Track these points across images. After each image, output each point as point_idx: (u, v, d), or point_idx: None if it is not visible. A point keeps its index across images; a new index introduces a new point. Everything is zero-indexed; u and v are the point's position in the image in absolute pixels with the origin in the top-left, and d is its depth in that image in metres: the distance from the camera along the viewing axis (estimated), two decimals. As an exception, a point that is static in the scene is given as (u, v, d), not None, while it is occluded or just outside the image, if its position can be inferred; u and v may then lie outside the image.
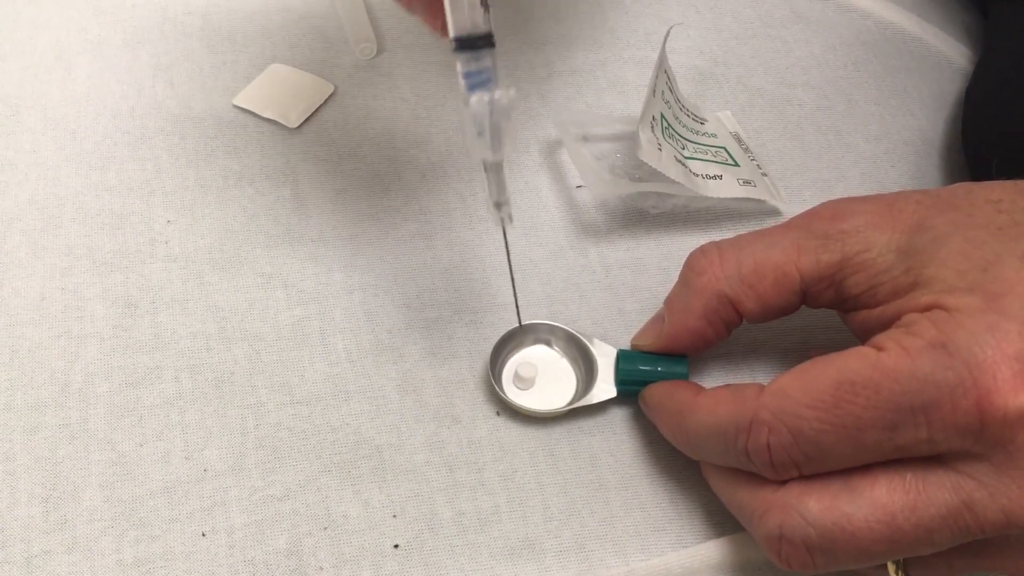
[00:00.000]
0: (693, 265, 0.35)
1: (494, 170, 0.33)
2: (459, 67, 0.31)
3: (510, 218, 0.34)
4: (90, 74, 0.47)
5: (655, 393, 0.35)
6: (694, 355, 0.37)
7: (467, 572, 0.33)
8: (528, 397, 0.37)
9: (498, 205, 0.34)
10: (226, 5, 0.50)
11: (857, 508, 0.29)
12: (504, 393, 0.37)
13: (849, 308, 0.33)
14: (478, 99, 0.31)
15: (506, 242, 0.36)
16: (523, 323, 0.38)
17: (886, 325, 0.30)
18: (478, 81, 0.31)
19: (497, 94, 0.31)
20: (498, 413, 0.37)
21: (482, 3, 0.30)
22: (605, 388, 0.37)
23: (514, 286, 0.37)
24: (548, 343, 0.39)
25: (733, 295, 0.34)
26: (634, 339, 0.37)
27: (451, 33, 0.31)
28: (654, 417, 0.35)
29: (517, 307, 0.37)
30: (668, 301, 0.36)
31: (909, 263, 0.31)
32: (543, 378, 0.38)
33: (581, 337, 0.38)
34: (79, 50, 0.48)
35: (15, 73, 0.47)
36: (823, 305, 0.34)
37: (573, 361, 0.38)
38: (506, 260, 0.37)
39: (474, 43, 0.31)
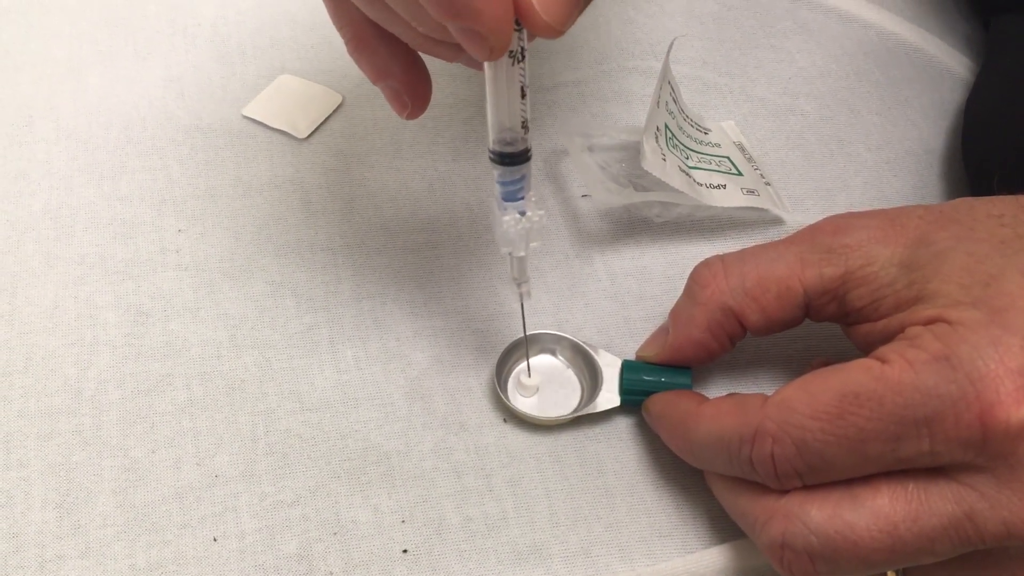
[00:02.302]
0: (698, 278, 0.36)
1: (519, 260, 0.35)
2: (496, 175, 0.33)
3: (528, 294, 0.37)
4: (102, 85, 0.47)
5: (658, 403, 0.36)
6: (698, 366, 0.37)
7: (475, 577, 0.34)
8: (534, 405, 0.38)
9: (519, 283, 0.36)
10: (235, 17, 0.51)
11: (859, 517, 0.29)
12: (510, 401, 0.37)
13: (852, 321, 0.33)
14: (511, 220, 0.33)
15: (523, 311, 0.38)
16: (529, 333, 0.38)
17: (889, 338, 0.31)
18: (512, 189, 0.33)
19: (528, 213, 0.33)
20: (505, 420, 0.38)
21: (523, 124, 0.31)
22: (609, 397, 0.37)
23: (522, 299, 0.37)
24: (553, 352, 0.39)
25: (737, 307, 0.34)
26: (639, 350, 0.38)
27: (491, 146, 0.32)
28: (657, 427, 0.36)
29: (523, 317, 0.38)
30: (673, 313, 0.36)
31: (912, 277, 0.31)
32: (549, 386, 0.38)
33: (586, 347, 0.38)
34: (91, 61, 0.48)
35: (28, 84, 0.47)
36: (826, 319, 0.34)
37: (578, 370, 0.39)
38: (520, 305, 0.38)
39: (513, 159, 0.32)
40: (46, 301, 0.39)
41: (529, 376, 0.38)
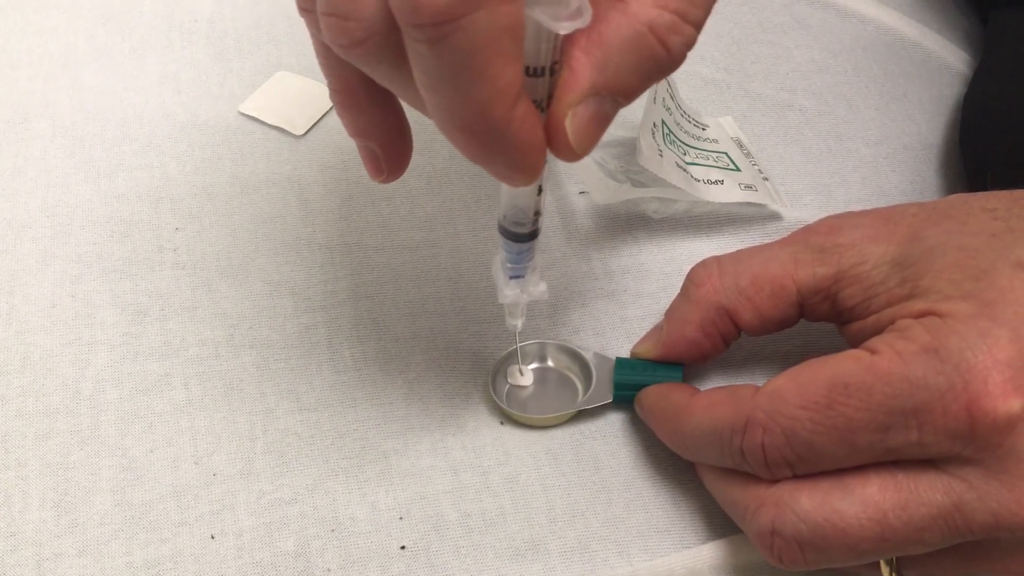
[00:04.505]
0: (693, 277, 0.36)
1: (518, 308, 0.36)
2: (501, 242, 0.33)
3: (518, 328, 0.37)
4: (98, 82, 0.47)
5: (650, 396, 0.36)
6: (691, 365, 0.37)
7: (473, 573, 0.34)
8: (529, 406, 0.38)
9: (511, 320, 0.37)
10: (232, 13, 0.51)
11: (849, 505, 0.29)
12: (506, 406, 0.37)
13: (845, 320, 0.34)
14: (512, 294, 0.34)
15: (516, 340, 0.38)
16: (520, 344, 0.39)
17: (880, 332, 0.31)
18: (518, 257, 0.33)
19: (530, 287, 0.34)
20: (502, 422, 0.38)
21: (535, 212, 0.32)
22: (602, 394, 0.37)
23: (519, 358, 0.38)
24: (544, 357, 0.39)
25: (731, 306, 0.35)
26: (634, 347, 0.38)
27: (500, 221, 0.32)
28: (649, 420, 0.36)
29: (517, 349, 0.38)
30: (668, 311, 0.37)
31: (904, 274, 0.31)
32: (543, 388, 0.38)
33: (578, 350, 0.39)
34: (87, 58, 0.48)
35: (24, 81, 0.47)
36: (821, 318, 0.35)
37: (573, 373, 0.39)
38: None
39: (519, 237, 0.33)
40: (43, 300, 0.39)
41: (522, 374, 0.38)
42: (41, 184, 0.43)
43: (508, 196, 0.32)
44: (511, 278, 0.34)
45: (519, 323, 0.37)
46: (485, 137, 0.25)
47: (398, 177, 0.33)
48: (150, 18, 0.50)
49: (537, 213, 0.32)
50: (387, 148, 0.32)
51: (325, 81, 0.31)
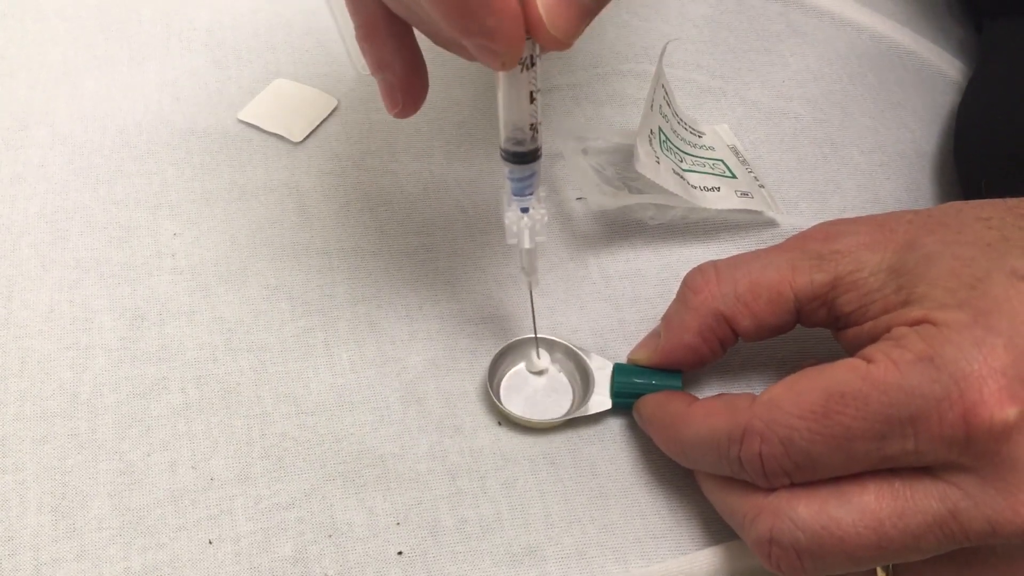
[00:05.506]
0: (690, 283, 0.36)
1: (526, 252, 0.37)
2: (506, 171, 0.34)
3: (536, 283, 0.38)
4: (97, 90, 0.48)
5: (649, 404, 0.36)
6: (689, 371, 0.37)
7: (469, 579, 0.34)
8: (526, 408, 0.38)
9: (527, 274, 0.37)
10: (231, 22, 0.51)
11: (846, 513, 0.29)
12: (502, 404, 0.37)
13: (841, 326, 0.34)
14: (514, 216, 0.35)
15: (531, 298, 0.38)
16: (519, 339, 0.39)
17: (876, 339, 0.31)
18: (521, 186, 0.34)
19: (532, 211, 0.35)
20: (499, 423, 0.38)
21: (532, 127, 0.33)
22: (601, 400, 0.37)
23: (530, 288, 0.38)
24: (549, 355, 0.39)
25: (728, 313, 0.35)
26: (631, 354, 0.38)
27: (502, 144, 0.33)
28: (648, 428, 0.36)
29: (532, 303, 0.38)
30: (665, 318, 0.37)
31: (900, 282, 0.31)
32: (541, 390, 0.38)
33: (578, 350, 0.39)
34: (86, 66, 0.49)
35: (23, 89, 0.47)
36: (817, 324, 0.35)
37: (570, 374, 0.39)
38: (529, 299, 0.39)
39: (521, 157, 0.34)
40: (41, 305, 0.40)
41: (539, 357, 0.39)
42: (40, 190, 0.43)
43: (503, 112, 0.33)
44: (521, 211, 0.35)
45: (536, 277, 0.37)
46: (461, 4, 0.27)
47: (411, 112, 0.36)
48: (149, 26, 0.51)
49: (534, 128, 0.33)
50: (403, 78, 0.35)
51: (352, 21, 0.35)
